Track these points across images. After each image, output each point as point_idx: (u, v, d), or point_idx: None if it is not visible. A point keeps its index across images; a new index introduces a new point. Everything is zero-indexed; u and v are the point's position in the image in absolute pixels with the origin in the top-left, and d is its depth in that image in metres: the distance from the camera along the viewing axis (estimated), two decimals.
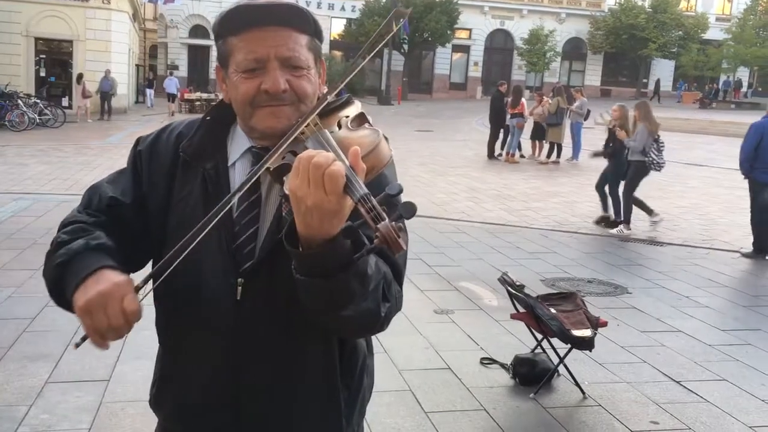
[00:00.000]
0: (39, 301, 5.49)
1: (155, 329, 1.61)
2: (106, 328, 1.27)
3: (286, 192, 1.20)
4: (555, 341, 4.47)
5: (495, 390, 4.43)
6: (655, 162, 9.31)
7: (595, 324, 4.37)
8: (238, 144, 1.52)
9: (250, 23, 1.39)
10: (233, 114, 1.52)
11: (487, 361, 4.82)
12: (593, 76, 47.35)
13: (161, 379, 1.62)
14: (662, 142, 9.51)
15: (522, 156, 17.73)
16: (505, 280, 4.71)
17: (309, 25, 1.45)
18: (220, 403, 1.51)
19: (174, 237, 1.47)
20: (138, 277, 1.38)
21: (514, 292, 4.60)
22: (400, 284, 1.44)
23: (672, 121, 29.08)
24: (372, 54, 1.36)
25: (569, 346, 4.34)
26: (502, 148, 17.73)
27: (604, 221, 10.12)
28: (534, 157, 17.77)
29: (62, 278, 1.37)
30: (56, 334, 4.87)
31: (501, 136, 17.72)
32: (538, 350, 4.72)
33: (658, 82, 44.73)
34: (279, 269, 1.38)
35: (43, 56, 28.08)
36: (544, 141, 17.73)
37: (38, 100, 23.09)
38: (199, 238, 1.31)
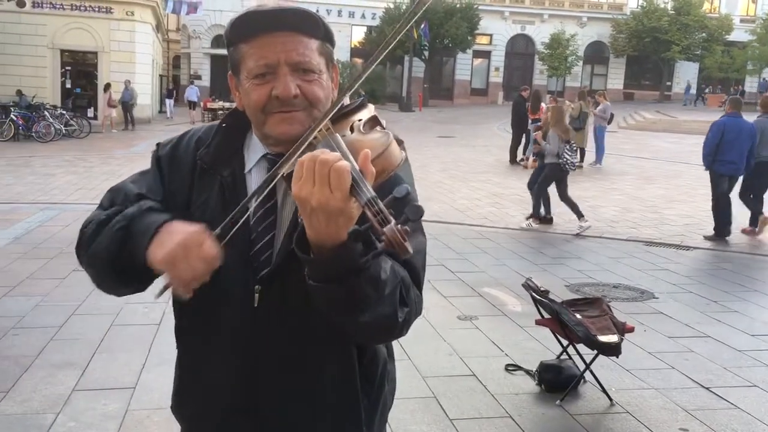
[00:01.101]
0: (66, 309, 5.55)
1: None
2: (190, 275, 1.28)
3: (291, 193, 1.20)
4: (581, 347, 4.42)
5: (520, 397, 4.38)
6: (569, 163, 9.74)
7: (622, 330, 4.31)
8: (254, 151, 1.52)
9: (259, 29, 1.40)
10: (248, 121, 1.52)
11: (512, 368, 4.77)
12: (616, 79, 47.00)
13: (181, 386, 1.63)
14: (574, 143, 10.14)
15: (528, 158, 17.61)
16: (529, 286, 4.67)
17: (319, 30, 1.44)
18: (239, 410, 1.50)
19: None
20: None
21: (538, 297, 4.55)
22: (420, 288, 1.43)
23: (694, 124, 28.76)
24: (381, 57, 1.34)
25: (595, 352, 4.28)
26: (524, 154, 17.64)
27: (539, 219, 10.26)
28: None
29: (126, 240, 1.36)
30: (83, 343, 4.92)
31: (523, 141, 17.64)
32: (564, 356, 4.67)
33: (688, 86, 44.23)
34: (296, 276, 1.37)
35: (69, 68, 28.51)
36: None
37: (64, 111, 23.43)
38: (231, 234, 1.31)
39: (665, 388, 4.56)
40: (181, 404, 1.63)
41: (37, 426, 3.72)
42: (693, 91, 45.77)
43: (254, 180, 1.49)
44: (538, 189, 10.10)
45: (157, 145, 1.62)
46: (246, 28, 1.42)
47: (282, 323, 1.44)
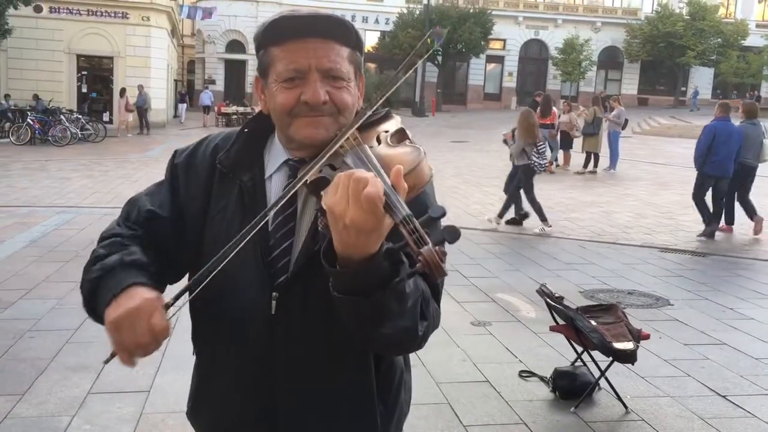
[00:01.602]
0: (81, 312, 5.51)
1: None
2: (133, 345, 1.27)
3: (324, 207, 1.19)
4: (596, 354, 4.39)
5: (534, 403, 4.36)
6: (537, 164, 9.95)
7: (638, 336, 4.28)
8: (275, 156, 1.51)
9: (292, 34, 1.40)
10: (271, 126, 1.52)
11: (526, 374, 4.75)
12: (630, 84, 46.81)
13: (197, 392, 1.62)
14: (542, 145, 10.25)
15: (557, 165, 17.54)
16: (543, 292, 4.65)
17: (351, 38, 1.45)
18: (255, 417, 1.50)
19: (210, 250, 1.47)
20: (173, 290, 1.38)
21: (553, 303, 4.53)
22: (438, 302, 1.42)
23: None
24: (410, 72, 1.35)
25: (610, 359, 4.25)
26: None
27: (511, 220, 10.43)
28: (564, 167, 17.56)
29: (96, 293, 1.38)
30: (98, 346, 4.94)
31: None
32: (578, 363, 4.64)
33: (696, 92, 43.96)
34: (314, 283, 1.37)
35: (85, 72, 28.83)
36: (570, 150, 17.54)
37: (80, 116, 23.67)
38: (232, 255, 1.30)
39: (681, 396, 4.52)
40: (197, 411, 1.63)
41: (53, 429, 3.75)
42: (707, 95, 45.43)
43: (274, 186, 1.49)
44: (527, 196, 10.16)
45: (175, 152, 1.62)
46: (278, 32, 1.41)
47: (299, 331, 1.44)
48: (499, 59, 45.97)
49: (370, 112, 1.35)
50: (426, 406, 4.21)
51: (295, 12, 1.43)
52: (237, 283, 1.44)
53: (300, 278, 1.41)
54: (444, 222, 1.14)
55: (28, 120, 21.62)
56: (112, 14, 27.92)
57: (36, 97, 24.50)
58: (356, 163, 1.25)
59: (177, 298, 1.35)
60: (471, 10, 40.60)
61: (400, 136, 1.33)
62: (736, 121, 10.45)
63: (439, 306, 1.42)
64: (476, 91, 45.51)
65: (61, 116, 22.26)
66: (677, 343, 5.54)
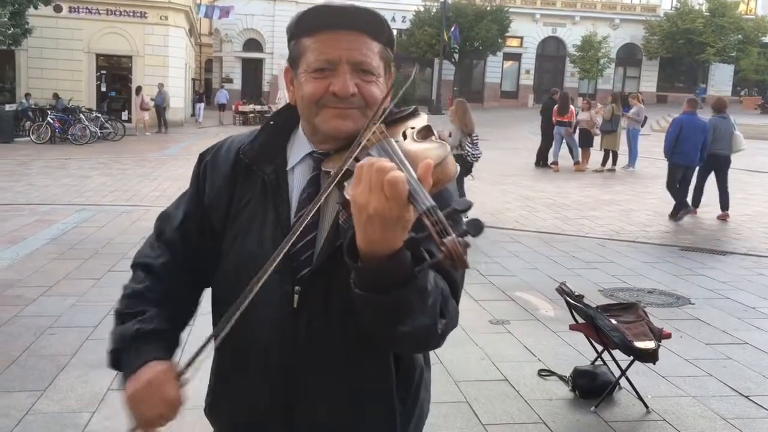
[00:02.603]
0: (101, 309, 5.62)
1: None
2: (152, 417, 1.40)
3: (347, 197, 1.18)
4: (616, 353, 4.35)
5: (554, 403, 4.33)
6: (470, 155, 10.07)
7: (659, 336, 4.24)
8: (299, 148, 1.51)
9: (325, 25, 1.40)
10: (295, 119, 1.52)
11: (546, 373, 4.72)
12: (649, 82, 46.42)
13: (215, 388, 1.62)
14: (476, 136, 10.28)
15: (576, 163, 17.40)
16: (563, 290, 4.61)
17: (383, 34, 1.44)
18: (273, 413, 1.49)
19: (233, 247, 1.49)
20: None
21: (573, 302, 4.50)
22: (457, 301, 1.40)
23: None
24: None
25: (631, 358, 4.21)
26: (555, 157, 17.50)
27: None
28: (584, 165, 17.42)
29: (119, 362, 1.50)
30: None
31: (552, 144, 17.50)
32: (598, 362, 4.60)
33: (703, 88, 43.40)
34: (336, 278, 1.37)
35: (104, 72, 29.06)
36: (590, 148, 17.42)
37: (99, 115, 23.84)
38: (250, 297, 1.30)
39: (703, 396, 4.47)
40: (215, 406, 1.62)
41: (73, 425, 3.77)
42: (728, 92, 44.93)
43: (297, 177, 1.48)
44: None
45: (201, 155, 1.64)
46: (312, 22, 1.41)
47: (321, 325, 1.43)
48: (516, 57, 45.76)
49: (392, 105, 1.35)
50: (445, 404, 4.20)
51: (329, 4, 1.43)
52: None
53: (323, 272, 1.40)
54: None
55: (48, 119, 21.81)
56: (131, 13, 28.11)
57: (56, 96, 24.71)
58: (381, 154, 1.24)
59: (190, 363, 1.41)
60: (488, 8, 40.45)
61: (425, 132, 1.32)
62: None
63: (458, 304, 1.40)
64: (493, 89, 45.34)
65: (81, 115, 22.44)
66: (698, 342, 5.48)
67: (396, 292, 1.17)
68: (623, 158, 17.58)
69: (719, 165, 11.11)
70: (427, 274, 1.22)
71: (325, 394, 1.47)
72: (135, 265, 1.60)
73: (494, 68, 45.23)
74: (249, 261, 1.41)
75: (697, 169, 11.19)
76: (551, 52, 46.38)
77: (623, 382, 4.38)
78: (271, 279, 1.40)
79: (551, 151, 17.46)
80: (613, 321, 4.29)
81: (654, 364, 4.26)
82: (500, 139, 24.75)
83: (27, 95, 25.06)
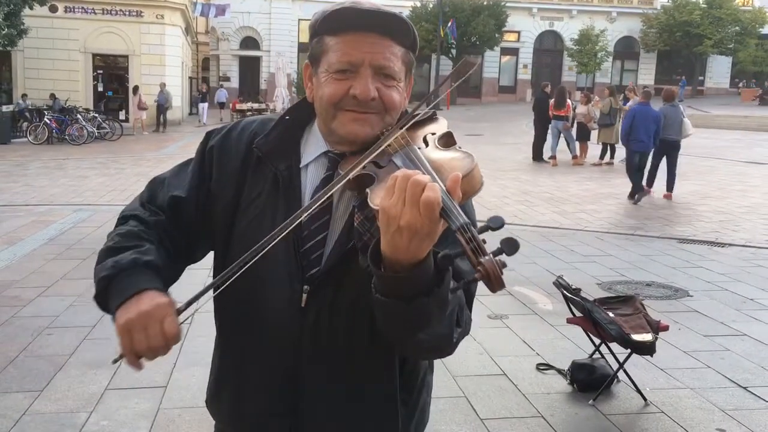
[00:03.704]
0: (99, 309, 5.61)
1: (209, 336, 1.60)
2: (144, 349, 1.28)
3: (374, 206, 1.16)
4: (614, 346, 4.35)
5: (552, 396, 4.33)
6: None
7: (656, 328, 4.23)
8: (313, 146, 1.49)
9: (351, 26, 1.38)
10: (309, 115, 1.51)
11: (544, 367, 4.72)
12: (647, 75, 46.34)
13: (217, 382, 1.61)
14: None
15: (574, 157, 17.39)
16: (560, 284, 4.61)
17: (408, 39, 1.43)
18: (277, 411, 1.49)
19: (241, 238, 1.46)
20: (186, 289, 1.37)
21: (570, 295, 4.49)
22: (471, 308, 1.40)
23: (731, 119, 28.28)
24: (461, 80, 1.38)
25: (629, 351, 4.21)
26: (552, 151, 17.49)
27: None
28: (581, 159, 17.40)
29: (108, 290, 1.37)
30: (115, 342, 4.94)
31: (549, 138, 17.47)
32: (597, 355, 4.60)
33: (685, 82, 43.21)
34: (345, 279, 1.37)
35: (101, 71, 29.02)
36: (588, 142, 17.40)
37: (96, 114, 23.83)
38: (258, 256, 1.28)
39: (701, 388, 4.47)
40: (217, 401, 1.61)
41: (71, 425, 3.77)
42: (725, 85, 44.92)
43: (310, 175, 1.47)
44: None
45: (208, 134, 1.59)
46: (338, 22, 1.39)
47: (327, 326, 1.42)
48: (514, 51, 45.70)
49: (420, 113, 1.33)
50: (443, 399, 4.20)
51: (357, 4, 1.40)
52: (268, 275, 1.42)
53: (332, 273, 1.39)
54: None
55: (45, 119, 21.78)
56: (127, 13, 28.05)
57: (53, 97, 24.67)
58: (406, 164, 1.22)
59: (189, 303, 1.33)
60: (484, 3, 40.40)
61: (447, 139, 1.31)
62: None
63: (471, 312, 1.40)
64: (491, 84, 45.29)
65: (78, 115, 22.43)
66: (697, 334, 5.48)
67: (418, 301, 1.16)
68: (621, 151, 17.53)
69: (670, 149, 12.27)
70: (449, 284, 1.20)
71: (329, 394, 1.46)
72: (125, 217, 1.51)
73: (492, 63, 45.14)
74: (259, 261, 1.39)
75: (652, 152, 12.27)
76: (549, 47, 46.33)
77: (621, 375, 4.38)
78: (281, 277, 1.41)
79: (549, 145, 17.44)
80: (611, 314, 4.29)
81: (651, 356, 4.26)
82: (498, 134, 24.76)
83: (24, 96, 25.02)
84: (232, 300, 1.48)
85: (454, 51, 40.48)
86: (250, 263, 1.28)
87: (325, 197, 1.27)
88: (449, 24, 37.86)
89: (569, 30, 44.53)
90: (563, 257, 8.05)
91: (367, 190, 1.21)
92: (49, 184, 13.20)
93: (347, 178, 1.24)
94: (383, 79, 1.38)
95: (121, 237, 1.44)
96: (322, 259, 1.41)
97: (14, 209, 10.39)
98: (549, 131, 17.38)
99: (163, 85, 26.53)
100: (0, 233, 8.62)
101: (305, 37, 41.09)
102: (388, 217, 1.11)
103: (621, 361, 4.30)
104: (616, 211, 11.31)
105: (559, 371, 4.63)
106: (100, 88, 28.91)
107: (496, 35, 40.64)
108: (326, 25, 1.41)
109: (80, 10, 27.63)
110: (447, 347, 1.31)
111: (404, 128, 1.28)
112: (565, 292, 4.54)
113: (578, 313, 4.51)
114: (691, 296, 6.55)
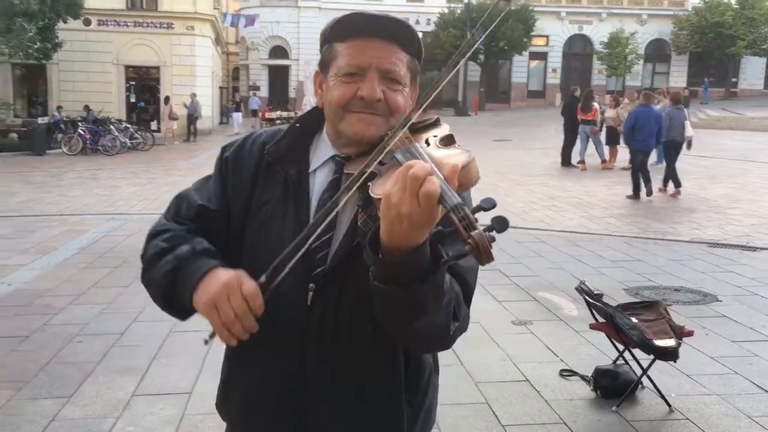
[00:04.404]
0: (128, 316, 5.72)
1: None
2: (232, 318, 1.31)
3: (374, 196, 1.22)
4: (639, 352, 4.31)
5: (575, 403, 4.30)
6: None
7: (680, 333, 4.19)
8: (321, 152, 1.55)
9: (359, 32, 1.45)
10: (319, 123, 1.57)
11: (567, 373, 4.69)
12: (678, 77, 45.66)
13: (226, 383, 1.65)
14: None
15: (603, 161, 17.23)
16: (582, 289, 4.58)
17: (413, 46, 1.50)
18: (283, 409, 1.52)
19: (252, 242, 1.52)
20: None
21: (592, 301, 4.46)
22: (469, 306, 1.43)
23: (765, 121, 27.75)
24: (454, 71, 1.37)
25: (652, 356, 4.17)
26: (581, 155, 17.34)
27: None
28: (611, 163, 17.22)
29: (175, 283, 1.42)
30: (143, 349, 5.06)
31: (578, 143, 17.33)
32: (620, 361, 4.56)
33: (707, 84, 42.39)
34: (350, 277, 1.41)
35: (133, 83, 29.53)
36: (617, 146, 17.21)
37: (129, 125, 24.24)
38: (310, 241, 1.32)
39: (727, 394, 4.40)
40: (226, 401, 1.65)
41: (97, 430, 3.84)
42: (759, 86, 44.07)
43: (318, 180, 1.52)
44: None
45: (223, 148, 1.65)
46: (347, 29, 1.47)
47: (332, 323, 1.45)
48: (543, 56, 45.42)
49: (420, 111, 1.37)
50: (464, 406, 4.20)
51: (365, 12, 1.49)
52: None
53: (337, 271, 1.43)
54: (484, 219, 1.14)
55: (79, 130, 22.22)
56: (158, 25, 28.55)
57: (87, 108, 25.15)
58: (407, 157, 1.27)
59: (271, 275, 1.35)
60: (512, 8, 40.22)
61: (448, 140, 1.35)
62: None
63: (468, 310, 1.43)
64: (520, 89, 45.07)
65: (111, 126, 22.84)
66: (725, 340, 5.40)
67: (413, 286, 1.20)
68: (651, 155, 17.31)
69: (673, 149, 13.08)
70: (445, 273, 1.26)
71: (333, 393, 1.49)
72: (154, 233, 1.54)
73: (520, 68, 44.94)
74: (269, 256, 1.42)
75: (659, 155, 13.35)
76: (578, 50, 45.94)
77: (645, 381, 4.34)
78: (287, 276, 1.43)
79: (578, 149, 17.30)
80: (634, 319, 4.25)
81: (675, 362, 4.21)
82: (527, 139, 24.63)
83: (59, 108, 25.55)
84: None
85: (482, 57, 40.36)
86: (294, 260, 1.32)
87: (354, 188, 1.31)
88: (476, 29, 37.77)
89: (599, 33, 44.12)
90: (590, 262, 7.98)
91: (369, 183, 1.26)
92: (82, 194, 13.47)
93: (359, 183, 1.29)
94: (389, 83, 1.45)
95: (166, 241, 1.49)
96: (327, 258, 1.45)
97: (48, 219, 10.62)
98: (578, 135, 17.24)
99: (193, 96, 26.91)
100: (34, 242, 8.82)
101: None
102: (388, 204, 1.15)
103: (645, 367, 4.26)
104: (645, 215, 11.18)
105: (583, 377, 4.60)
106: (133, 99, 29.45)
107: (525, 40, 40.42)
108: (336, 33, 1.49)
109: (113, 23, 28.18)
110: (444, 338, 1.34)
111: (408, 123, 1.33)
112: (587, 297, 4.51)
113: (601, 319, 4.48)
114: (720, 301, 6.45)
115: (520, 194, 13.00)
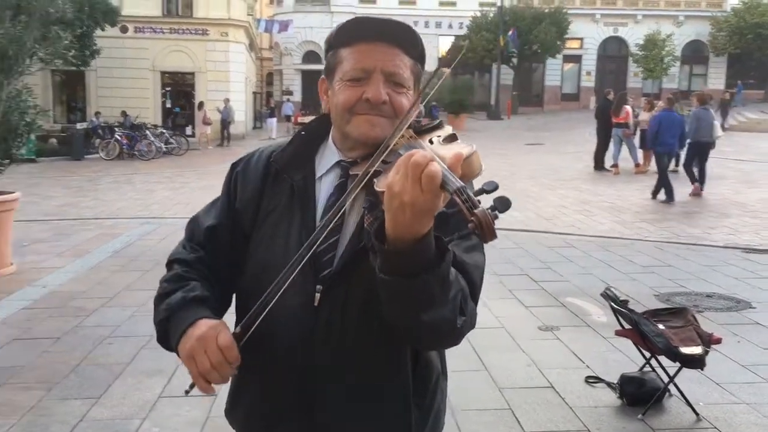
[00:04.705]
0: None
1: None
2: (208, 368, 1.39)
3: (378, 190, 1.25)
4: (666, 360, 4.24)
5: (600, 410, 4.25)
6: None
7: (707, 341, 4.12)
8: (327, 158, 1.57)
9: (363, 37, 1.48)
10: (325, 130, 1.59)
11: (593, 380, 4.64)
12: (716, 79, 44.84)
13: (237, 388, 1.66)
14: None
15: (637, 165, 17.00)
16: (608, 295, 4.53)
17: (416, 49, 1.53)
18: (291, 412, 1.53)
19: (258, 249, 1.55)
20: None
21: (617, 307, 4.41)
22: (476, 303, 1.44)
23: None
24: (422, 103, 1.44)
25: (678, 364, 4.10)
26: (615, 159, 17.13)
27: None
28: (644, 167, 16.97)
29: (167, 332, 1.52)
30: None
31: (611, 147, 17.13)
32: (647, 368, 4.49)
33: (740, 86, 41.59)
34: (357, 279, 1.43)
35: (169, 88, 29.99)
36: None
37: (164, 130, 24.61)
38: (284, 287, 1.39)
39: (758, 403, 4.31)
40: (235, 407, 1.67)
41: (124, 431, 3.91)
42: None
43: (324, 186, 1.54)
44: None
45: (233, 165, 1.70)
46: (351, 34, 1.50)
47: (340, 324, 1.47)
48: (577, 58, 44.98)
49: (422, 107, 1.43)
50: (487, 412, 4.18)
51: (368, 17, 1.53)
52: (281, 274, 1.48)
53: (344, 273, 1.45)
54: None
55: (116, 136, 22.66)
56: (193, 31, 28.98)
57: (124, 114, 25.63)
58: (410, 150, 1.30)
59: (243, 324, 1.45)
60: (546, 10, 39.97)
61: (451, 138, 1.38)
62: None
63: (476, 306, 1.44)
64: (553, 92, 44.70)
65: (147, 131, 23.23)
66: (757, 347, 5.29)
67: (418, 277, 1.22)
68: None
69: (702, 150, 13.27)
70: (449, 265, 1.27)
71: (342, 393, 1.50)
72: (170, 262, 1.65)
73: (554, 71, 44.57)
74: (274, 262, 1.47)
75: (687, 157, 13.34)
76: (613, 53, 45.41)
77: (673, 389, 4.27)
78: (294, 279, 1.46)
79: (612, 153, 17.11)
80: (660, 326, 4.19)
81: (702, 369, 4.14)
82: (560, 143, 24.42)
83: (97, 113, 26.08)
84: (250, 303, 1.55)
85: (515, 60, 40.15)
86: (283, 289, 1.38)
87: (359, 188, 1.35)
88: (510, 33, 37.59)
89: (634, 35, 43.55)
90: (621, 267, 7.88)
91: (374, 180, 1.29)
92: (117, 198, 13.72)
93: (363, 181, 1.33)
94: (393, 86, 1.47)
95: (168, 282, 1.59)
96: (335, 261, 1.47)
97: (83, 223, 10.84)
98: (611, 139, 17.06)
99: (226, 101, 27.23)
100: (69, 246, 9.01)
101: None
102: (391, 194, 1.17)
103: (671, 374, 4.19)
104: (679, 220, 11.01)
105: (609, 384, 4.55)
106: (168, 105, 29.89)
107: (558, 43, 40.09)
108: (340, 38, 1.52)
109: (149, 30, 28.68)
110: (451, 333, 1.35)
111: (409, 121, 1.37)
112: (612, 303, 4.46)
113: (627, 326, 4.42)
114: (754, 308, 6.32)
115: (552, 198, 12.89)
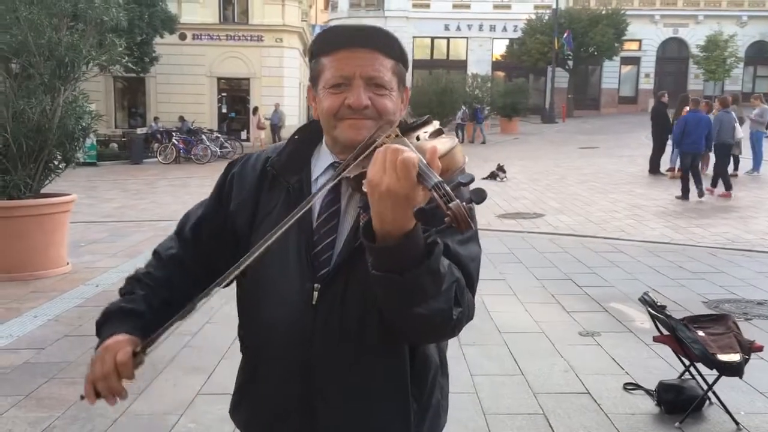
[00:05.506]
0: (199, 318, 5.94)
1: None
2: (99, 375, 1.52)
3: (364, 189, 1.28)
4: (706, 367, 4.14)
5: (636, 417, 4.17)
6: None
7: (747, 349, 4.00)
8: (322, 160, 1.61)
9: (340, 44, 1.52)
10: (319, 134, 1.63)
11: (631, 387, 4.56)
12: None
13: (240, 388, 1.70)
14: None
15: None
16: (645, 300, 4.45)
17: (394, 50, 1.55)
18: (294, 409, 1.56)
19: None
20: None
21: (654, 313, 4.33)
22: (473, 293, 1.47)
23: None
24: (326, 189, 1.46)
25: (717, 371, 4.00)
26: (671, 163, 16.73)
27: None
28: (702, 170, 16.50)
29: (99, 333, 1.64)
30: (212, 350, 5.25)
31: (668, 150, 16.72)
32: (687, 376, 4.39)
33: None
34: (354, 277, 1.46)
35: (224, 94, 30.60)
36: (710, 152, 16.49)
37: (219, 135, 25.14)
38: (257, 254, 1.39)
39: None
40: (238, 407, 1.70)
41: (161, 427, 4.02)
42: None
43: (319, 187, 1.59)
44: None
45: (228, 165, 1.76)
46: (329, 43, 1.55)
47: (338, 321, 1.50)
48: (635, 60, 44.08)
49: (408, 120, 1.47)
50: (520, 416, 4.15)
51: (344, 25, 1.58)
52: (280, 275, 1.54)
53: (342, 271, 1.49)
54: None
55: (174, 140, 23.24)
56: (248, 38, 29.52)
57: (181, 119, 26.28)
58: None
59: (148, 343, 1.56)
60: (603, 12, 39.30)
61: (437, 133, 1.41)
62: None
63: (473, 297, 1.47)
64: (610, 95, 43.90)
65: (203, 136, 23.76)
66: None
67: (409, 272, 1.26)
68: (746, 162, 16.55)
69: (724, 151, 13.74)
70: (439, 258, 1.31)
71: (342, 390, 1.53)
72: (153, 252, 1.79)
73: (611, 73, 43.78)
74: (272, 264, 1.52)
75: (712, 157, 13.83)
76: (672, 54, 44.34)
77: (713, 397, 4.17)
78: (292, 279, 1.52)
79: (670, 157, 16.70)
80: (700, 333, 4.10)
81: (740, 377, 4.02)
82: (615, 147, 23.97)
83: (155, 118, 26.82)
84: (249, 302, 1.62)
85: (570, 63, 39.58)
86: (260, 251, 1.39)
87: (331, 184, 1.42)
88: (565, 35, 37.10)
89: (695, 36, 42.44)
90: (669, 273, 7.70)
91: (363, 181, 1.32)
92: (172, 201, 14.07)
93: (347, 175, 1.37)
94: (375, 89, 1.51)
95: (127, 282, 1.73)
96: (332, 260, 1.51)
97: (139, 224, 11.16)
98: (668, 142, 16.66)
99: (277, 105, 27.64)
100: (124, 247, 9.29)
101: (420, 54, 41.52)
102: (371, 186, 1.22)
103: (710, 382, 4.09)
104: (734, 225, 10.69)
105: (647, 391, 4.46)
106: (224, 110, 30.50)
107: (616, 45, 39.33)
108: (320, 47, 1.56)
109: (206, 37, 29.35)
110: (448, 325, 1.37)
111: (395, 125, 1.41)
112: (649, 309, 4.38)
113: (665, 331, 4.33)
114: None
115: (603, 203, 12.67)
